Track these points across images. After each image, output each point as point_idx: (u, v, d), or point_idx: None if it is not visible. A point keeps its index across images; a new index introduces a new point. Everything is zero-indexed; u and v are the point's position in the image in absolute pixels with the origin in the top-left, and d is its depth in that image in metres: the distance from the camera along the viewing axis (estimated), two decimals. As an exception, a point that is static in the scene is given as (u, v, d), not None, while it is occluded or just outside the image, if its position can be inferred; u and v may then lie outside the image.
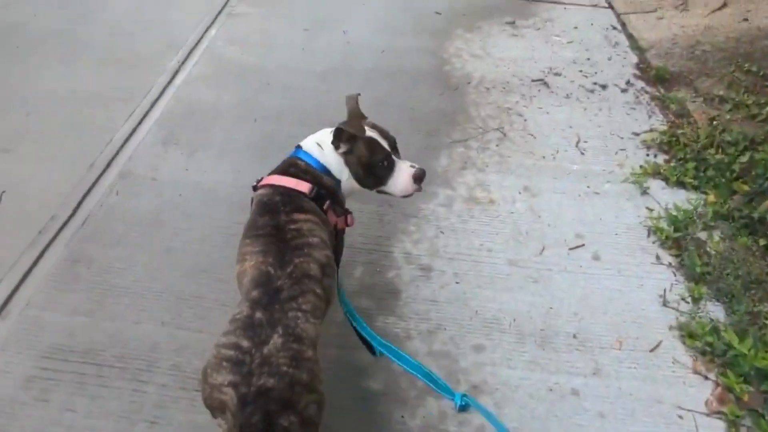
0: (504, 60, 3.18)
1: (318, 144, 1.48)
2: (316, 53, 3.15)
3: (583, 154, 2.51)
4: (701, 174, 2.34)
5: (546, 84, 2.99)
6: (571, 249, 2.04)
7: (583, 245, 2.06)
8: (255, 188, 1.46)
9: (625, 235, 2.11)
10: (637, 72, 3.14)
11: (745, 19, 3.52)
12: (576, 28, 3.55)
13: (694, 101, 2.87)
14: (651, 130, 2.67)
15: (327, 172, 1.46)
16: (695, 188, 2.30)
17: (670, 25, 3.60)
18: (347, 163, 1.47)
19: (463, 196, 2.25)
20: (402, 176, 1.46)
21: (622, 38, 3.47)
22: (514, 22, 3.56)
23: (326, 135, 1.48)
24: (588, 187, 2.32)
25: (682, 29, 3.54)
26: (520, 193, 2.28)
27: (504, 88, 2.95)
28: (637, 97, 2.92)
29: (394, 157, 1.47)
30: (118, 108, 2.60)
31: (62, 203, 2.09)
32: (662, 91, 2.97)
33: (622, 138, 2.62)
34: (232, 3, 3.60)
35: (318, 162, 1.46)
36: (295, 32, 3.34)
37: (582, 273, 1.95)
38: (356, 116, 1.48)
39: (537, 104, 2.83)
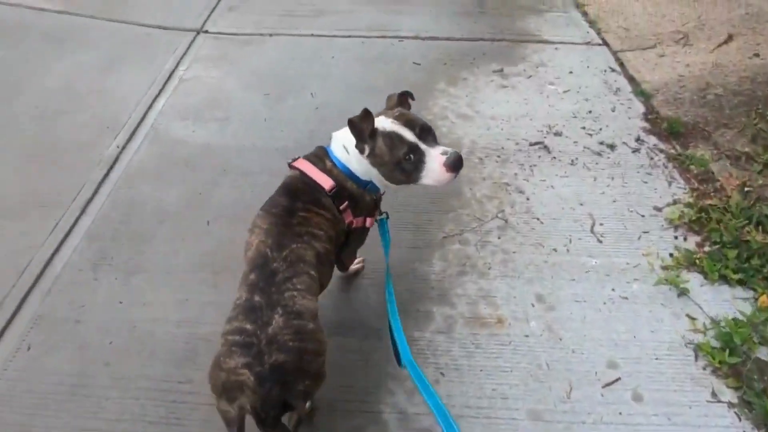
0: (496, 119, 2.83)
1: (344, 147, 1.46)
2: (280, 123, 2.76)
3: (600, 241, 2.14)
4: (745, 264, 1.98)
5: (546, 148, 2.63)
6: (605, 386, 1.65)
7: (619, 379, 1.67)
8: (290, 165, 1.52)
9: (667, 359, 1.73)
10: (646, 125, 2.80)
11: (756, 54, 3.23)
12: (571, 72, 3.21)
13: (717, 160, 2.53)
14: (674, 202, 2.32)
15: (352, 175, 1.46)
16: (741, 283, 1.94)
17: (673, 64, 3.29)
18: (374, 164, 1.43)
19: (465, 315, 1.86)
20: (433, 166, 1.36)
21: (622, 82, 3.15)
22: (502, 70, 3.22)
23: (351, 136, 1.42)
24: (613, 290, 1.95)
25: (688, 69, 3.23)
26: (533, 305, 1.89)
27: (499, 156, 2.58)
28: (652, 158, 2.57)
29: (422, 146, 1.36)
30: (38, 219, 2.16)
31: (-46, 372, 1.64)
32: (678, 148, 2.63)
33: (642, 216, 2.26)
34: (183, 65, 3.20)
35: (343, 165, 1.46)
36: (256, 98, 2.95)
37: (623, 424, 1.56)
38: (391, 105, 1.50)
39: (539, 176, 2.46)
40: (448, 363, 1.72)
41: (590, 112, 2.89)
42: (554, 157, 2.57)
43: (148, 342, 1.74)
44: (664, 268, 2.02)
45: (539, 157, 2.58)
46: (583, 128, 2.77)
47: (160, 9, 3.76)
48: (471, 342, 1.77)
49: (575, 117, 2.85)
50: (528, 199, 2.34)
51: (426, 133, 1.38)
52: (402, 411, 1.59)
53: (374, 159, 1.41)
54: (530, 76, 3.18)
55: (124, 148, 2.56)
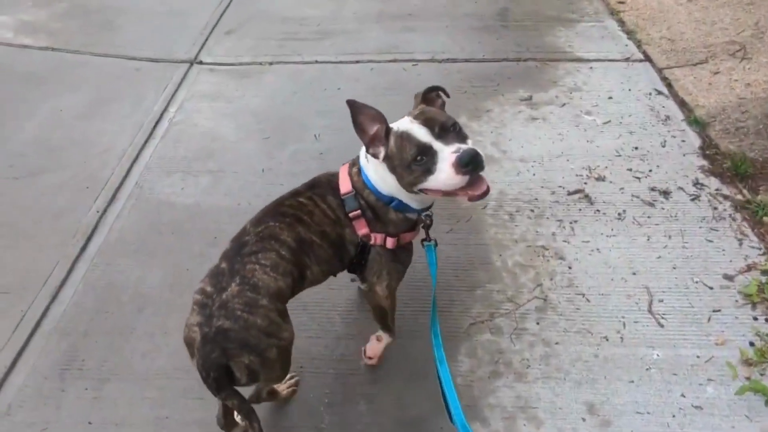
0: (526, 161, 2.49)
1: (366, 156, 1.36)
2: (279, 175, 2.48)
3: (661, 325, 1.80)
4: None
5: (588, 198, 2.29)
6: None
7: None
8: None
9: (760, 500, 1.39)
10: (704, 162, 2.43)
11: (831, 70, 2.81)
12: (611, 98, 2.85)
13: (797, 210, 2.16)
14: (748, 268, 1.96)
15: (372, 185, 1.37)
16: None
17: (731, 83, 2.90)
18: (389, 169, 1.31)
19: (501, 436, 1.54)
20: (442, 167, 1.19)
21: (672, 107, 2.77)
22: (530, 98, 2.87)
23: None
24: (683, 395, 1.61)
25: (749, 89, 2.84)
26: (584, 420, 1.57)
27: (533, 210, 2.25)
28: (715, 208, 2.21)
29: (437, 145, 1.21)
30: (0, 311, 1.92)
31: None
32: (746, 193, 2.26)
33: (710, 288, 1.91)
34: (174, 105, 2.95)
35: (365, 174, 1.38)
36: (253, 144, 2.68)
37: None
38: (417, 103, 1.40)
39: (581, 235, 2.12)
40: (481, 507, 1.41)
41: (636, 148, 2.53)
42: (598, 210, 2.23)
43: (119, 480, 1.48)
44: (746, 363, 1.67)
45: (580, 210, 2.24)
46: (630, 170, 2.41)
47: (152, 37, 3.52)
48: (509, 475, 1.46)
49: (619, 155, 2.49)
50: (570, 267, 2.01)
51: (446, 131, 1.22)
52: None
53: (389, 163, 1.30)
54: (564, 104, 2.83)
55: (104, 212, 2.31)
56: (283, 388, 1.58)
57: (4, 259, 2.13)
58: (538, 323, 1.83)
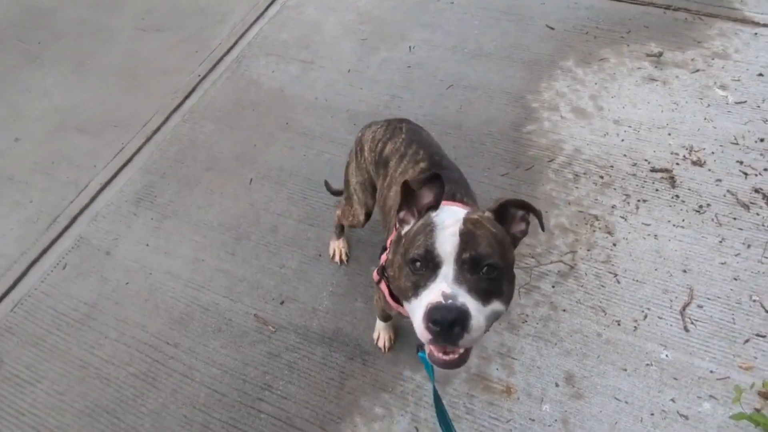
0: (621, 124, 2.33)
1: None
2: (362, 79, 2.61)
3: (687, 330, 1.73)
4: None
5: (672, 180, 2.12)
6: None
7: None
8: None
9: None
10: (843, 177, 2.08)
11: None
12: (761, 75, 2.47)
13: None
14: (828, 306, 1.74)
15: None
16: None
17: None
18: (392, 253, 1.13)
19: (470, 369, 1.68)
20: (420, 304, 0.90)
21: (838, 103, 2.33)
22: (660, 55, 2.59)
23: None
24: (673, 401, 1.59)
25: None
26: (557, 385, 1.63)
27: (602, 177, 2.15)
28: (826, 231, 1.93)
29: (445, 270, 0.91)
30: (109, 139, 2.40)
31: (4, 272, 1.98)
32: None
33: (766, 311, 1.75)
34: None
35: None
36: (350, 43, 2.81)
37: None
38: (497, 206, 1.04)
39: (644, 217, 2.01)
40: (427, 419, 1.59)
41: (762, 140, 2.22)
42: (677, 196, 2.07)
43: (156, 293, 1.90)
44: (763, 395, 1.57)
45: (656, 190, 2.10)
46: (740, 162, 2.16)
47: None
48: (464, 404, 1.61)
49: (735, 143, 2.22)
50: (614, 245, 1.95)
51: (475, 268, 0.91)
52: (356, 454, 1.54)
53: (400, 245, 1.06)
54: (696, 71, 2.51)
55: (203, 78, 2.66)
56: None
57: (121, 99, 2.59)
58: (553, 287, 1.85)
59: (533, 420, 1.58)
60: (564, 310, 1.79)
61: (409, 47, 2.76)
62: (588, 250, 1.94)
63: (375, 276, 1.28)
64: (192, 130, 2.44)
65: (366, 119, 2.41)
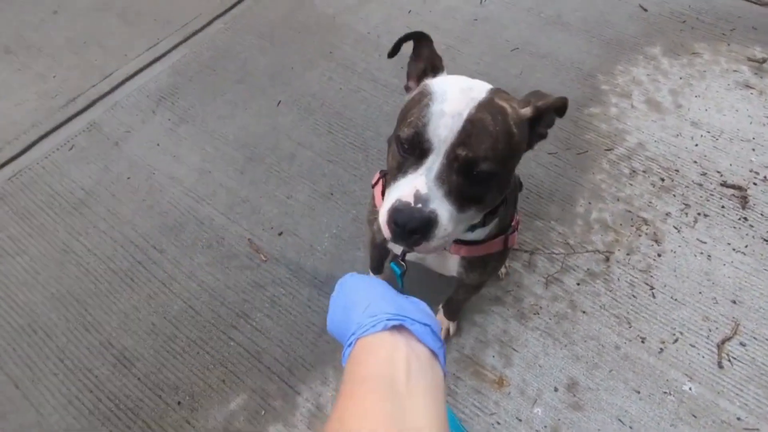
0: (699, 127, 2.06)
1: None
2: (422, 23, 2.40)
3: (721, 366, 1.51)
4: None
5: (744, 200, 1.86)
6: None
7: None
8: None
9: None
10: None
11: None
12: None
13: None
14: None
15: None
16: None
17: None
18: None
19: (464, 350, 1.53)
20: (391, 196, 0.78)
21: None
22: (763, 62, 2.27)
23: None
24: (685, 439, 1.39)
25: None
26: (556, 389, 1.46)
27: (663, 179, 1.91)
28: None
29: (433, 158, 0.75)
30: (145, 31, 2.30)
31: (11, 139, 1.93)
32: None
33: (822, 369, 1.51)
34: None
35: None
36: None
37: None
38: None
39: (700, 233, 1.78)
40: (404, 390, 1.45)
41: None
42: (745, 218, 1.81)
43: (154, 194, 1.81)
44: (794, 460, 1.36)
45: (722, 207, 1.84)
46: (830, 197, 1.87)
47: None
48: (448, 385, 1.46)
49: (830, 175, 1.93)
50: (659, 255, 1.72)
51: (458, 167, 0.75)
52: (318, 407, 1.42)
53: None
54: (803, 87, 2.19)
55: (257, -11, 2.51)
56: None
57: (167, -6, 2.49)
58: (578, 284, 1.66)
59: (520, 420, 1.41)
60: (584, 312, 1.60)
61: (480, 0, 2.53)
62: (627, 254, 1.73)
63: (375, 176, 1.10)
64: (231, 39, 2.31)
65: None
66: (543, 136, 0.89)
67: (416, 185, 0.74)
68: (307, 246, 1.70)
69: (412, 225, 0.73)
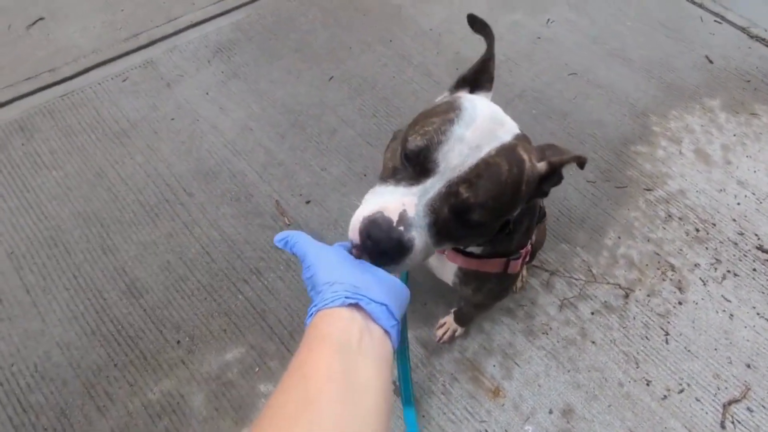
0: (744, 187, 2.02)
1: None
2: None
3: (723, 427, 1.47)
4: None
5: (777, 266, 1.81)
6: None
7: None
8: None
9: None
10: None
11: None
12: None
13: None
14: None
15: None
16: None
17: None
18: None
19: (466, 353, 1.51)
20: (373, 200, 0.70)
21: None
22: (822, 136, 2.21)
23: None
24: (673, 490, 1.35)
25: None
26: (550, 412, 1.43)
27: (698, 230, 1.87)
28: None
29: (430, 180, 0.68)
30: (217, -14, 2.34)
31: (70, 60, 1.97)
32: None
33: (828, 452, 1.45)
34: None
35: None
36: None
37: None
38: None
39: (727, 291, 1.73)
40: (399, 378, 1.44)
41: None
42: (775, 285, 1.76)
43: (195, 139, 1.83)
44: None
45: (754, 269, 1.80)
46: None
47: None
48: (443, 382, 1.44)
49: None
50: (680, 303, 1.68)
51: (455, 204, 0.68)
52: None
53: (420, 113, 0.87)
54: None
55: (331, -33, 2.53)
56: None
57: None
58: (592, 313, 1.63)
59: (508, 433, 1.39)
60: (593, 342, 1.57)
61: (548, 20, 2.52)
62: (648, 296, 1.69)
63: None
64: (297, 8, 2.33)
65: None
66: (545, 194, 0.81)
67: (405, 204, 0.67)
68: (332, 219, 1.71)
69: (386, 246, 0.65)
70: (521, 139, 0.74)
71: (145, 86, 1.95)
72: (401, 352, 1.18)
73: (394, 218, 0.66)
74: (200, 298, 1.50)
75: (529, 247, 1.05)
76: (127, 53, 2.03)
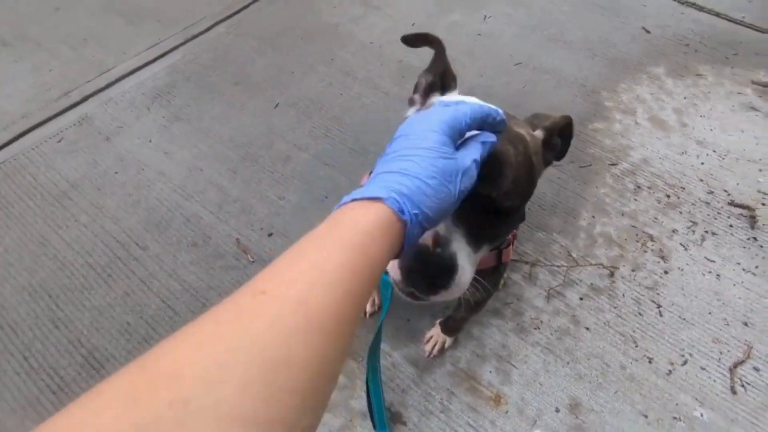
0: (705, 146, 1.98)
1: None
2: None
3: (734, 392, 1.39)
4: None
5: (753, 220, 1.76)
6: None
7: None
8: None
9: None
10: None
11: None
12: None
13: None
14: None
15: None
16: None
17: None
18: None
19: (459, 363, 1.40)
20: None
21: None
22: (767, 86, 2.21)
23: None
24: (697, 469, 1.25)
25: None
26: (557, 410, 1.33)
27: (669, 196, 1.82)
28: None
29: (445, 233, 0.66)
30: (148, 31, 2.24)
31: (2, 128, 1.84)
32: None
33: (842, 398, 1.38)
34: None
35: None
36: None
37: None
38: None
39: (708, 251, 1.67)
40: (393, 402, 1.32)
41: None
42: (754, 238, 1.71)
43: (142, 190, 1.71)
44: (816, 497, 1.22)
45: (730, 226, 1.75)
46: (841, 221, 1.77)
47: None
48: (441, 399, 1.33)
49: (840, 199, 1.83)
50: (666, 273, 1.62)
51: (480, 204, 0.65)
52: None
53: None
54: (809, 112, 2.13)
55: (262, -3, 2.47)
56: None
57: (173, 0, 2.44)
58: (581, 299, 1.54)
59: (519, 448, 1.28)
60: (587, 329, 1.48)
61: (485, 16, 2.49)
62: (632, 270, 1.62)
63: (364, 178, 1.00)
64: (233, 42, 2.25)
65: (416, 74, 2.18)
66: (549, 163, 0.84)
67: (436, 229, 0.63)
68: (298, 248, 1.59)
69: (433, 272, 0.62)
70: (510, 117, 0.73)
71: (83, 144, 1.83)
72: (372, 371, 1.08)
73: (429, 243, 0.62)
74: (167, 357, 1.36)
75: (514, 230, 0.98)
76: (61, 113, 1.91)
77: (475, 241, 0.67)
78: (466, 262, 0.65)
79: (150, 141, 1.85)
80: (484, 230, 0.67)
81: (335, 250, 0.42)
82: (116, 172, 1.75)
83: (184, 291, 1.48)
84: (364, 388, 1.27)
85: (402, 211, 0.47)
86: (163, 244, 1.58)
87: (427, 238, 0.63)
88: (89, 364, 1.35)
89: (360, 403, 1.31)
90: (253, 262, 1.55)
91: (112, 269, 1.52)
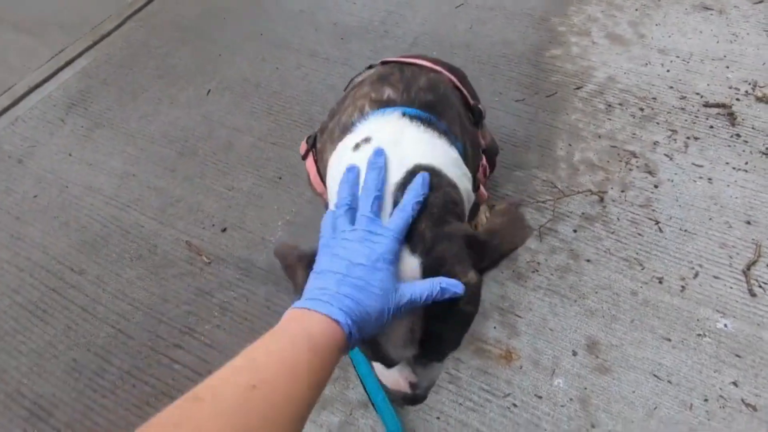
0: (667, 54, 1.86)
1: None
2: (356, -5, 2.15)
3: (753, 294, 1.27)
4: None
5: (732, 116, 1.65)
6: None
7: None
8: None
9: None
10: None
11: None
12: (842, 9, 1.97)
13: None
14: None
15: None
16: None
17: None
18: None
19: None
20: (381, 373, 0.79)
21: None
22: (716, -16, 2.10)
23: None
24: (735, 384, 1.13)
25: None
26: (575, 353, 1.18)
27: (642, 109, 1.69)
28: None
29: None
30: (50, 40, 1.98)
31: None
32: None
33: None
34: None
35: None
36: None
37: None
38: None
39: (694, 156, 1.55)
40: (395, 386, 1.14)
41: None
42: (737, 135, 1.60)
43: (68, 209, 1.47)
44: None
45: (711, 127, 1.63)
46: (818, 102, 1.67)
47: None
48: (447, 370, 1.16)
49: (811, 80, 1.74)
50: (656, 187, 1.48)
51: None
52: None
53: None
54: (760, 2, 2.03)
55: (172, -16, 2.22)
56: None
57: (73, 2, 2.17)
58: (575, 231, 1.39)
59: (540, 397, 1.12)
60: (588, 261, 1.34)
61: None
62: (622, 191, 1.48)
63: (302, 147, 0.83)
64: (148, 35, 2.01)
65: (356, 34, 1.99)
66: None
67: (407, 377, 0.72)
68: (258, 239, 1.40)
69: (418, 401, 0.76)
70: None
71: (-8, 172, 1.58)
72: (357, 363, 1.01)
73: (408, 390, 0.73)
74: (127, 389, 1.15)
75: (483, 161, 0.83)
76: (-39, 144, 1.64)
77: (440, 355, 0.71)
78: (439, 371, 0.78)
79: (70, 155, 1.61)
80: (442, 343, 0.67)
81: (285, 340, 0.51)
82: (35, 196, 1.51)
83: (135, 310, 1.27)
84: (352, 387, 1.10)
85: (350, 334, 0.54)
86: (102, 263, 1.36)
87: (403, 386, 0.72)
88: (36, 415, 1.13)
89: (357, 392, 1.13)
90: (209, 262, 1.35)
91: (47, 303, 1.29)
